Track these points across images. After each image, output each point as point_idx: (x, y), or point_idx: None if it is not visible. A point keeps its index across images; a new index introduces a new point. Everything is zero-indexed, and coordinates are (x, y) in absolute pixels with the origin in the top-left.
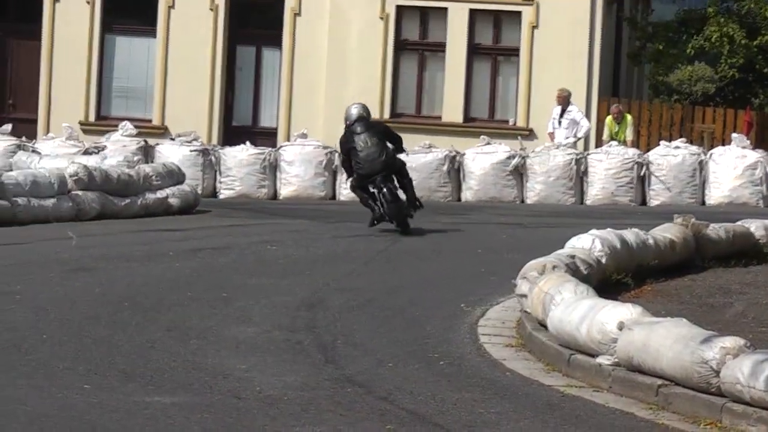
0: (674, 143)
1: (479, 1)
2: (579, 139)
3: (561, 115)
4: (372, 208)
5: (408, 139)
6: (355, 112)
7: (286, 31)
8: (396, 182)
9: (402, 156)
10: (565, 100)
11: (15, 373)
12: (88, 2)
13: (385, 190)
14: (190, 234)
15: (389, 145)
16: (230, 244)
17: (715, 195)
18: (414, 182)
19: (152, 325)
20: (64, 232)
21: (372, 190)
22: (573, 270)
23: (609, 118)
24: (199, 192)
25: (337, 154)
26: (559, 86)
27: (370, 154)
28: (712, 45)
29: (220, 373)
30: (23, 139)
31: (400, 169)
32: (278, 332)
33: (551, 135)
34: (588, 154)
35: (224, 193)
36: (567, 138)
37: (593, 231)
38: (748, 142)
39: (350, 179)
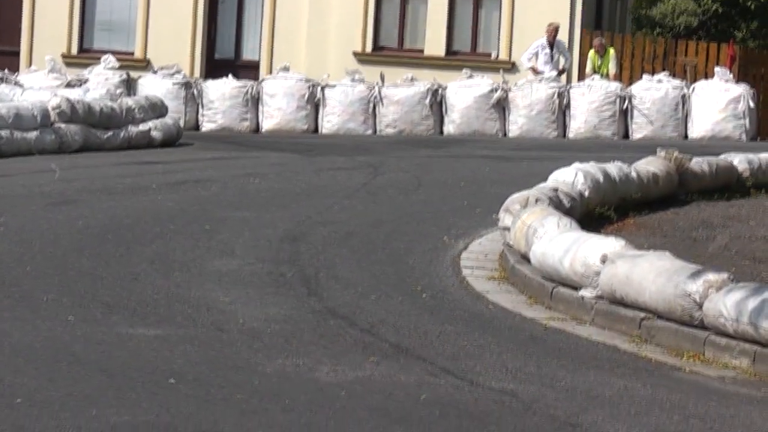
0: (657, 77)
1: None
2: (563, 71)
3: (552, 49)
4: None
5: (390, 73)
6: None
7: None
8: None
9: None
10: (556, 34)
11: None
12: None
13: None
14: (172, 167)
15: None
16: (213, 177)
17: (698, 129)
18: (396, 116)
19: (135, 258)
20: (47, 164)
21: None
22: (556, 203)
23: (591, 52)
24: (182, 125)
25: (319, 88)
26: (541, 20)
27: None
28: None
29: (204, 306)
30: (5, 71)
31: None
32: (261, 265)
33: (534, 69)
34: (570, 88)
35: (206, 126)
36: (551, 71)
37: (576, 164)
38: (731, 75)
39: None
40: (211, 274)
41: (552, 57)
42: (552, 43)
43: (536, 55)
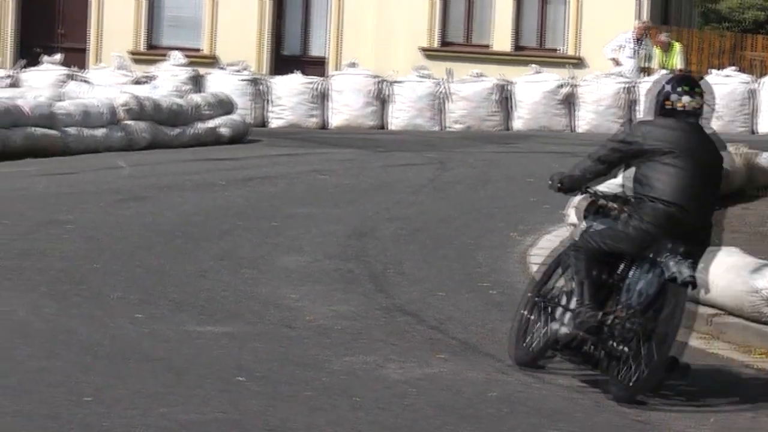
0: (724, 71)
1: None
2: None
3: (638, 45)
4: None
5: (457, 68)
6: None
7: None
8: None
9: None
10: (645, 31)
11: (68, 303)
12: None
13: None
14: (240, 163)
15: None
16: (280, 174)
17: (767, 124)
18: (464, 112)
19: (203, 255)
20: (115, 162)
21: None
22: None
23: (657, 48)
24: (250, 121)
25: (386, 84)
26: (609, 14)
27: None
28: None
29: (271, 303)
30: (74, 68)
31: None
32: (329, 261)
33: (616, 60)
34: (638, 83)
35: (274, 123)
36: (632, 70)
37: None
38: None
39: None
40: (279, 270)
41: (636, 53)
42: (639, 39)
43: (621, 47)
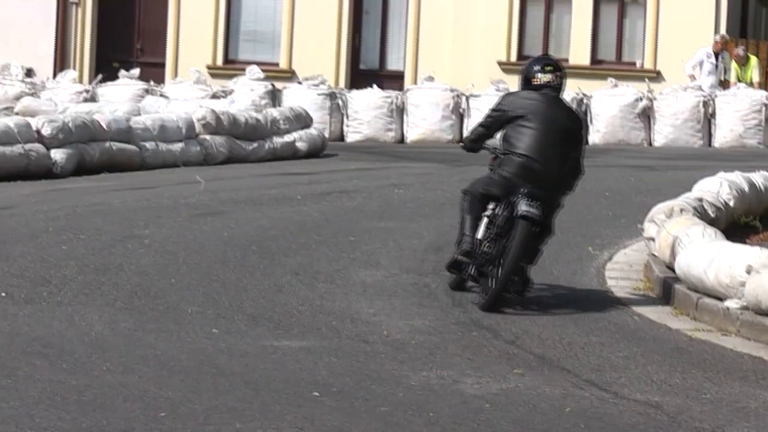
0: None
1: None
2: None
3: (717, 60)
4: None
5: None
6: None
7: None
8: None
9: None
10: (723, 46)
11: (144, 317)
12: None
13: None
14: (317, 178)
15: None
16: (357, 188)
17: None
18: None
19: (280, 269)
20: (192, 176)
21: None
22: (701, 213)
23: (734, 61)
24: (327, 136)
25: (464, 98)
26: (686, 28)
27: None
28: None
29: (348, 317)
30: (151, 83)
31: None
32: (406, 276)
33: (693, 77)
34: (716, 96)
35: (351, 137)
36: (712, 85)
37: (721, 174)
38: None
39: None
40: (355, 285)
41: (716, 67)
42: (718, 54)
43: (701, 64)
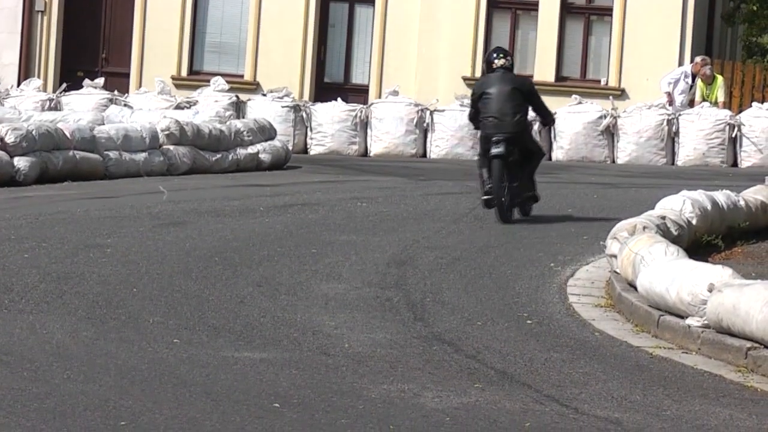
0: (766, 105)
1: None
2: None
3: (693, 81)
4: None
5: None
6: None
7: None
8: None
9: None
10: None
11: (106, 327)
12: None
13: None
14: (280, 190)
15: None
16: (320, 201)
17: None
18: None
19: (242, 281)
20: (155, 186)
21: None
22: (663, 231)
23: (699, 80)
24: (290, 148)
25: (428, 112)
26: (651, 46)
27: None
28: None
29: (309, 330)
30: (115, 93)
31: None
32: (368, 289)
33: (668, 94)
34: (680, 115)
35: (315, 150)
36: (682, 104)
37: (684, 192)
38: None
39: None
40: (317, 297)
41: (691, 88)
42: (695, 75)
43: (676, 81)
